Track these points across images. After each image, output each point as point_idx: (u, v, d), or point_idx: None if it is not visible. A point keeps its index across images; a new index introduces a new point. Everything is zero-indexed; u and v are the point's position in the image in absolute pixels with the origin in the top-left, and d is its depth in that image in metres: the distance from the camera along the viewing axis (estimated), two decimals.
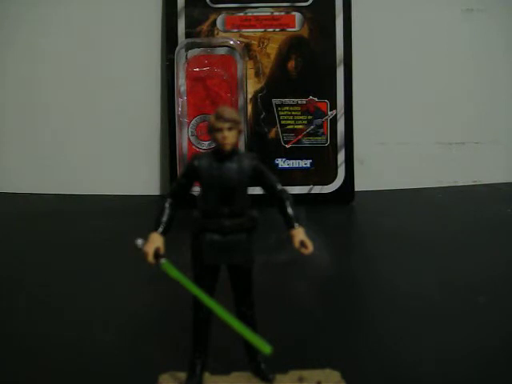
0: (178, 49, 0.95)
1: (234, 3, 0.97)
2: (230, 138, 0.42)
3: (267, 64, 0.97)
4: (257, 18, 0.97)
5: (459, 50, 1.05)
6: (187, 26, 0.97)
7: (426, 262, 0.71)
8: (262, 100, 0.97)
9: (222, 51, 0.96)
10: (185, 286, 0.41)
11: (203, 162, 0.43)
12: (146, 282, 0.65)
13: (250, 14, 0.97)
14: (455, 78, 1.05)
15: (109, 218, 0.91)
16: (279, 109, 0.97)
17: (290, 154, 0.97)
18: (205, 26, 0.97)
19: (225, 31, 0.97)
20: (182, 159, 0.96)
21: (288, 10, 0.97)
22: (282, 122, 0.97)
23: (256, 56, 0.97)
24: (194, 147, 0.96)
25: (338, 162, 0.97)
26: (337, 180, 0.97)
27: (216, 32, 0.97)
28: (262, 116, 0.97)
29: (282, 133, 0.97)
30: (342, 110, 0.96)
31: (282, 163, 0.97)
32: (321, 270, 0.69)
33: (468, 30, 1.05)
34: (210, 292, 0.43)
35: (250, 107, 0.96)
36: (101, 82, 1.03)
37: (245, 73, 0.96)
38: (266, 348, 0.40)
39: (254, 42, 0.97)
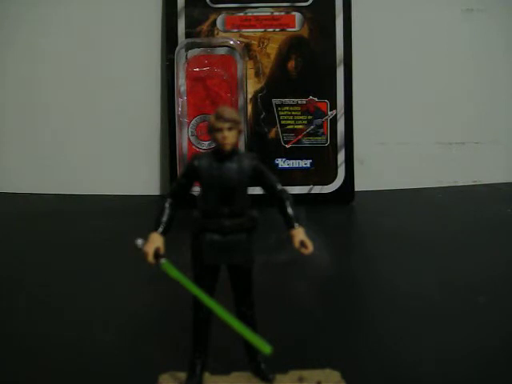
0: (178, 49, 0.95)
1: (234, 3, 0.97)
2: (230, 138, 0.42)
3: (267, 64, 0.97)
4: (257, 18, 0.97)
5: (459, 49, 1.05)
6: (187, 26, 0.97)
7: (426, 262, 0.71)
8: (262, 100, 0.97)
9: (222, 51, 0.96)
10: (185, 286, 0.41)
11: (203, 162, 0.43)
12: (145, 282, 0.65)
13: (250, 14, 0.97)
14: (455, 78, 1.05)
15: (109, 218, 0.91)
16: (279, 109, 0.97)
17: (290, 154, 0.97)
18: (205, 26, 0.97)
19: (225, 31, 0.97)
20: (182, 159, 0.96)
21: (288, 9, 0.97)
22: (282, 122, 0.97)
23: (256, 56, 0.97)
24: (194, 147, 0.96)
25: (338, 162, 0.97)
26: (337, 180, 0.97)
27: (216, 32, 0.97)
28: (262, 116, 0.97)
29: (282, 133, 0.97)
30: (342, 110, 0.96)
31: (281, 163, 0.97)
32: (321, 270, 0.69)
33: (468, 30, 1.05)
34: (210, 292, 0.43)
35: (250, 107, 0.96)
36: (101, 82, 1.03)
37: (245, 73, 0.96)
38: (265, 348, 0.40)
39: (254, 42, 0.97)
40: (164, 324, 0.56)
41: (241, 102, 0.96)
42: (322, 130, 0.97)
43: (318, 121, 0.97)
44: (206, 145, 0.96)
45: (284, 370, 0.45)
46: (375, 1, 1.03)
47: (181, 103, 0.95)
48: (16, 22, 1.02)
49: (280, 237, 0.73)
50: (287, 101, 0.97)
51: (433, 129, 1.06)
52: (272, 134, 0.97)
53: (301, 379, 0.44)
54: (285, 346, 0.48)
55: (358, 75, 0.98)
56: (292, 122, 0.97)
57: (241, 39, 0.97)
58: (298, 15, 0.97)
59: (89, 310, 0.59)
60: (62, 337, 0.54)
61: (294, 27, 0.97)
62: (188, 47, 0.95)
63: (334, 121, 0.97)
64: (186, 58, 0.95)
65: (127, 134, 1.04)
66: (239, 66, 0.96)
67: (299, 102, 0.97)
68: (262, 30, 0.97)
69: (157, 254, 0.42)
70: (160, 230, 0.42)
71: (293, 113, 0.97)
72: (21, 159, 1.04)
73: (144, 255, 0.42)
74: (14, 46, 1.03)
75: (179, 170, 0.96)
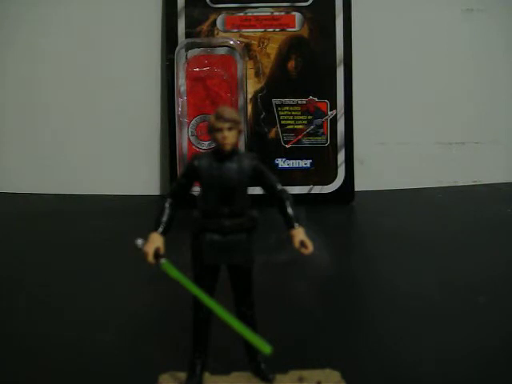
0: (178, 49, 0.95)
1: (234, 3, 0.97)
2: (230, 138, 0.42)
3: (267, 64, 0.97)
4: (257, 18, 0.97)
5: (459, 49, 1.05)
6: (187, 26, 0.97)
7: (426, 262, 0.71)
8: (262, 100, 0.97)
9: (222, 51, 0.96)
10: (185, 286, 0.41)
11: (203, 162, 0.43)
12: (146, 282, 0.65)
13: (250, 14, 0.97)
14: (455, 78, 1.05)
15: (109, 218, 0.91)
16: (279, 109, 0.97)
17: (290, 154, 0.97)
18: (205, 26, 0.97)
19: (225, 31, 0.97)
20: (182, 159, 0.96)
21: (288, 9, 0.97)
22: (282, 122, 0.97)
23: (256, 56, 0.97)
24: (194, 147, 0.96)
25: (338, 162, 0.97)
26: (337, 180, 0.97)
27: (216, 32, 0.97)
28: (262, 116, 0.97)
29: (282, 133, 0.97)
30: (342, 110, 0.96)
31: (282, 163, 0.97)
32: (321, 270, 0.69)
33: (468, 30, 1.05)
34: (210, 292, 0.43)
35: (250, 107, 0.96)
36: (101, 82, 1.03)
37: (245, 73, 0.96)
38: (265, 348, 0.40)
39: (254, 42, 0.97)
40: (164, 324, 0.56)
41: (241, 102, 0.96)
42: (321, 130, 0.97)
43: (318, 121, 0.97)
44: (206, 145, 0.96)
45: (284, 370, 0.45)
46: (375, 1, 1.03)
47: (181, 103, 0.95)
48: (16, 21, 1.02)
49: (280, 237, 0.73)
50: (287, 101, 0.97)
51: (433, 129, 1.06)
52: (272, 134, 0.97)
53: (301, 379, 0.44)
54: (285, 346, 0.48)
55: (358, 75, 0.98)
56: (292, 121, 0.97)
57: (241, 39, 0.97)
58: (297, 15, 0.97)
59: (89, 309, 0.59)
60: (62, 337, 0.54)
61: (293, 27, 0.97)
62: (188, 47, 0.95)
63: (334, 121, 0.97)
64: (186, 58, 0.95)
65: (127, 134, 1.04)
66: (239, 66, 0.96)
67: (299, 102, 0.97)
68: (262, 29, 0.97)
69: (157, 254, 0.42)
70: (160, 230, 0.42)
71: (293, 113, 0.97)
72: (21, 159, 1.04)
73: (144, 255, 0.42)
74: (14, 46, 1.03)
75: (179, 170, 0.96)
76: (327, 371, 0.45)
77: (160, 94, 1.03)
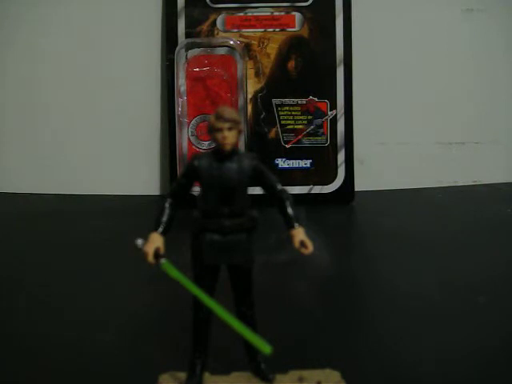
0: (178, 49, 0.95)
1: (234, 3, 0.97)
2: (230, 138, 0.42)
3: (267, 64, 0.97)
4: (257, 18, 0.97)
5: (459, 49, 1.05)
6: (187, 26, 0.97)
7: (426, 261, 0.71)
8: (262, 100, 0.97)
9: (222, 51, 0.96)
10: (185, 286, 0.41)
11: (203, 162, 0.43)
12: (146, 282, 0.65)
13: (250, 14, 0.97)
14: (455, 78, 1.05)
15: (109, 218, 0.91)
16: (279, 109, 0.97)
17: (290, 154, 0.97)
18: (205, 26, 0.97)
19: (225, 31, 0.97)
20: (182, 159, 0.96)
21: (288, 9, 0.97)
22: (282, 122, 0.97)
23: (256, 56, 0.97)
24: (194, 147, 0.96)
25: (338, 162, 0.97)
26: (337, 180, 0.97)
27: (216, 32, 0.97)
28: (262, 116, 0.97)
29: (282, 133, 0.97)
30: (342, 110, 0.96)
31: (282, 163, 0.97)
32: (321, 270, 0.69)
33: (468, 30, 1.05)
34: (210, 292, 0.43)
35: (250, 107, 0.96)
36: (101, 82, 1.03)
37: (245, 73, 0.96)
38: (265, 348, 0.40)
39: (254, 42, 0.97)
40: (164, 324, 0.56)
41: (241, 101, 0.96)
42: (321, 130, 0.97)
43: (318, 121, 0.97)
44: (206, 145, 0.96)
45: (284, 369, 0.45)
46: (375, 1, 1.03)
47: (181, 103, 0.95)
48: (16, 21, 1.02)
49: (280, 237, 0.73)
50: (287, 101, 0.97)
51: (433, 129, 1.06)
52: (272, 134, 0.97)
53: (301, 379, 0.44)
54: (285, 346, 0.48)
55: (358, 75, 0.98)
56: (292, 121, 0.97)
57: (241, 39, 0.97)
58: (298, 15, 0.97)
59: (89, 309, 0.59)
60: (62, 337, 0.54)
61: (293, 27, 0.97)
62: (188, 47, 0.95)
63: (333, 121, 0.97)
64: (186, 58, 0.95)
65: (127, 134, 1.04)
66: (239, 66, 0.96)
67: (299, 102, 0.97)
68: (262, 29, 0.97)
69: (157, 254, 0.42)
70: (160, 230, 0.42)
71: (293, 113, 0.97)
72: (21, 159, 1.04)
73: (144, 255, 0.42)
74: (14, 46, 1.03)
75: (179, 170, 0.96)
76: (327, 371, 0.45)
77: (160, 93, 1.03)
